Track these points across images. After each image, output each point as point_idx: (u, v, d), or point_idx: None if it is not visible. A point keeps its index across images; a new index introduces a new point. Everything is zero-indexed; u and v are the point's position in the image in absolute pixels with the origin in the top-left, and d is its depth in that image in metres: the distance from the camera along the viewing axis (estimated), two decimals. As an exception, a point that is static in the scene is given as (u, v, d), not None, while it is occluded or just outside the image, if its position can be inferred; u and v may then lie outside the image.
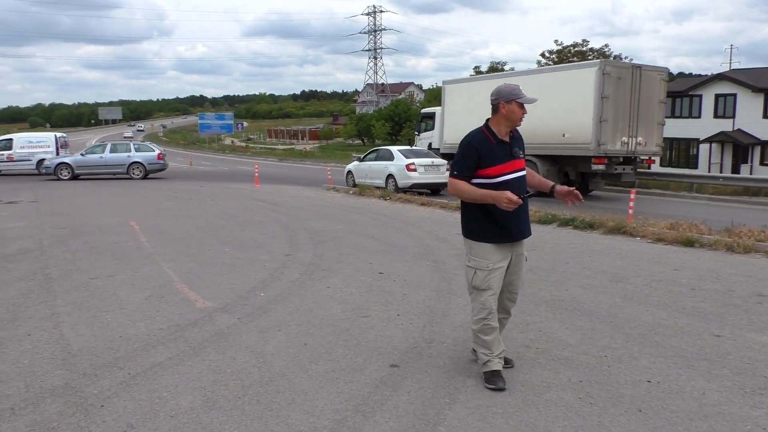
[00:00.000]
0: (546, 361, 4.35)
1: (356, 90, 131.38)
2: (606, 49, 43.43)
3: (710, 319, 5.37)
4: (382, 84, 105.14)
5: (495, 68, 49.21)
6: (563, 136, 17.13)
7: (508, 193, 3.66)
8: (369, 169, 19.34)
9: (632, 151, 17.09)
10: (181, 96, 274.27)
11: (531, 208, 12.37)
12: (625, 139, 16.81)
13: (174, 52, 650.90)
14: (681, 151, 34.95)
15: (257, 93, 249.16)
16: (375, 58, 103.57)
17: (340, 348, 4.63)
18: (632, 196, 12.04)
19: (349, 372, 4.14)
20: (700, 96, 33.67)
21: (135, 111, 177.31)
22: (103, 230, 10.51)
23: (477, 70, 50.16)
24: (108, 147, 24.76)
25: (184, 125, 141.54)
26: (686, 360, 4.38)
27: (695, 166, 33.18)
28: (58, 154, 25.82)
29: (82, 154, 24.58)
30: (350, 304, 5.88)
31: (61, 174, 23.48)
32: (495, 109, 3.87)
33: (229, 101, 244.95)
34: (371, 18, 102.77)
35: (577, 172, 17.84)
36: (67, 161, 23.97)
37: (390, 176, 18.19)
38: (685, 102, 34.34)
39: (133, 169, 24.08)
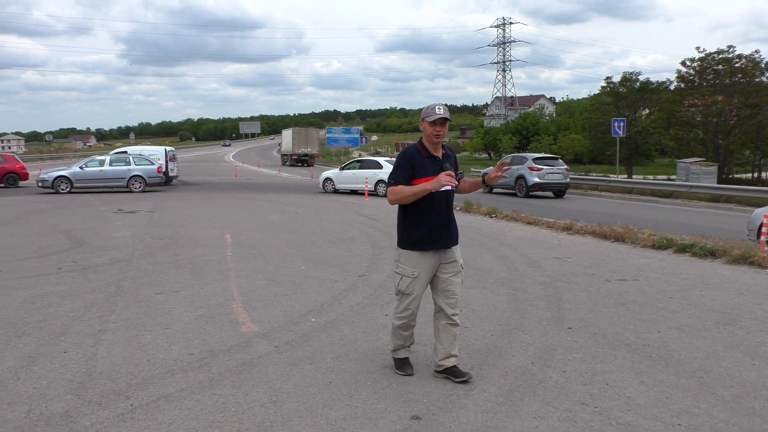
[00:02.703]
0: (601, 426, 3.60)
1: (486, 103, 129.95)
2: (756, 56, 39.62)
3: (834, 382, 4.32)
4: (511, 97, 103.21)
5: (628, 78, 46.35)
6: (291, 149, 53.99)
7: (442, 174, 3.97)
8: (354, 176, 23.41)
9: (305, 153, 52.96)
10: (316, 111, 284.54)
11: (645, 232, 11.22)
12: (303, 149, 52.98)
13: (311, 68, 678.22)
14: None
15: (388, 107, 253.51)
16: (504, 70, 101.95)
17: (365, 390, 4.12)
18: (765, 220, 10.49)
19: (360, 422, 3.63)
20: None
21: (273, 125, 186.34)
22: (196, 242, 10.67)
23: (608, 82, 47.49)
24: (107, 160, 24.27)
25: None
26: (787, 437, 3.46)
27: None
28: (167, 167, 26.42)
29: (81, 167, 23.84)
30: (401, 336, 5.35)
31: (59, 188, 22.93)
32: None
33: (361, 115, 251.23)
34: (500, 30, 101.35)
35: (295, 160, 53.05)
36: (65, 174, 23.32)
37: (380, 181, 21.98)
38: None
39: (133, 183, 23.75)
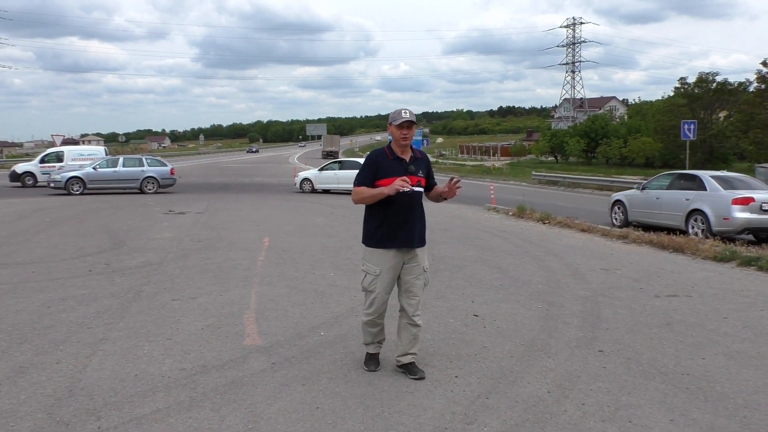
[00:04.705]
0: (611, 475, 3.10)
1: (554, 105, 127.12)
2: None
3: None
4: (580, 99, 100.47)
5: (704, 79, 44.26)
6: (323, 147, 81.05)
7: (397, 179, 4.13)
8: (335, 177, 24.24)
9: (330, 150, 76.54)
10: (383, 113, 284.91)
11: (707, 243, 10.39)
12: (329, 148, 78.23)
13: (378, 71, 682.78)
14: None
15: (455, 109, 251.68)
16: (573, 72, 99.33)
17: (353, 418, 3.74)
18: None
19: (335, 458, 3.25)
20: None
21: (339, 127, 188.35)
22: (233, 246, 10.53)
23: (682, 83, 45.55)
24: (121, 161, 24.22)
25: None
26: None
27: None
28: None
29: (94, 168, 23.54)
30: (410, 355, 4.94)
31: (72, 189, 22.66)
32: None
33: (428, 117, 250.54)
34: (570, 31, 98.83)
35: (325, 155, 72.93)
36: (78, 175, 23.02)
37: None
38: None
39: (147, 184, 23.66)
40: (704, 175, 13.54)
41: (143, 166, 24.20)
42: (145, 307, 6.38)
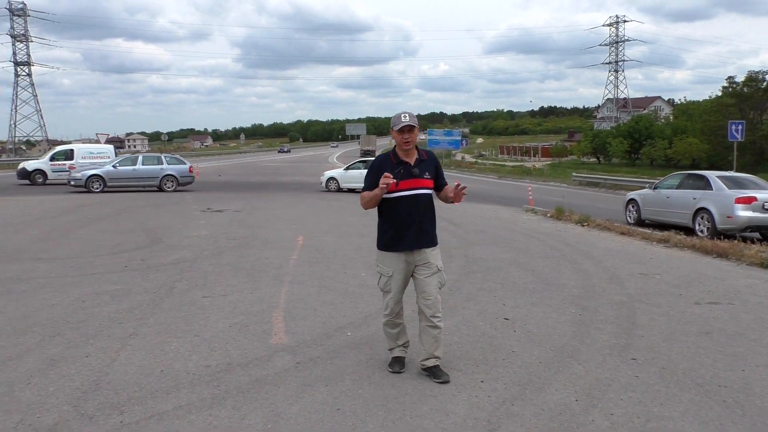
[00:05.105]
0: (638, 489, 2.98)
1: (597, 105, 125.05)
2: None
3: None
4: (624, 99, 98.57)
5: (753, 78, 42.95)
6: (361, 146, 77.68)
7: (382, 177, 4.14)
8: (361, 176, 22.45)
9: (367, 150, 69.85)
10: (423, 113, 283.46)
11: (752, 248, 10.03)
12: (366, 147, 73.28)
13: (418, 71, 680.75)
14: None
15: (495, 109, 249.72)
16: (616, 71, 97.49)
17: (374, 421, 3.68)
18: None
19: (353, 462, 3.20)
20: None
21: (378, 127, 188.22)
22: (267, 244, 10.59)
23: (730, 82, 44.32)
24: (140, 159, 24.35)
25: (420, 141, 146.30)
26: None
27: None
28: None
29: (114, 166, 23.66)
30: (436, 358, 4.86)
31: (92, 186, 22.76)
32: None
33: (467, 118, 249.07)
34: (613, 29, 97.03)
35: (362, 154, 65.36)
36: (99, 173, 23.12)
37: None
38: None
39: (166, 182, 23.77)
40: (711, 175, 14.13)
41: (162, 164, 24.41)
42: (176, 304, 6.44)
